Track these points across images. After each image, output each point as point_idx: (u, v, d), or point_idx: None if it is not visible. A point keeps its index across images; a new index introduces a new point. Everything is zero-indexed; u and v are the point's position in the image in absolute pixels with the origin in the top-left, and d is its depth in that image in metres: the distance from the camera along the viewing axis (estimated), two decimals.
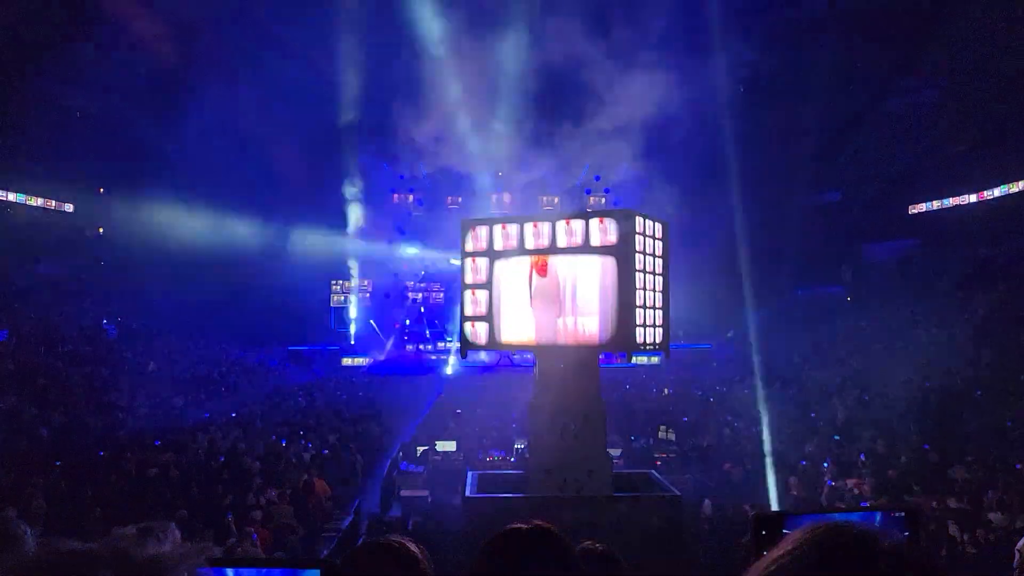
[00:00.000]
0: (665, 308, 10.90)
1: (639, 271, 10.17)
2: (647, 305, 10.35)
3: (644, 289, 10.29)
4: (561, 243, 10.45)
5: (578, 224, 10.34)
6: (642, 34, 31.31)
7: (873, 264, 38.48)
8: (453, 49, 33.86)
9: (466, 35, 32.45)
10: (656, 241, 10.70)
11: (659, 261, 10.79)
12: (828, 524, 0.94)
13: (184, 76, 33.20)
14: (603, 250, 10.09)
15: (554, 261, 10.56)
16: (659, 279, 10.76)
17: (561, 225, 10.48)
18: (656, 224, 10.76)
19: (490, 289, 10.97)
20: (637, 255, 10.17)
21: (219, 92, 31.57)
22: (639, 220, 10.30)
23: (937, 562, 0.93)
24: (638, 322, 10.13)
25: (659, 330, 10.75)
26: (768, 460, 14.91)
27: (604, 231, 10.15)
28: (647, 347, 10.68)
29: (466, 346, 11.35)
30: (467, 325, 11.14)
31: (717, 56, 34.08)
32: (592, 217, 10.32)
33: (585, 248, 10.22)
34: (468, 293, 11.15)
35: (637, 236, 10.18)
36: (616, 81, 33.13)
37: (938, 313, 27.21)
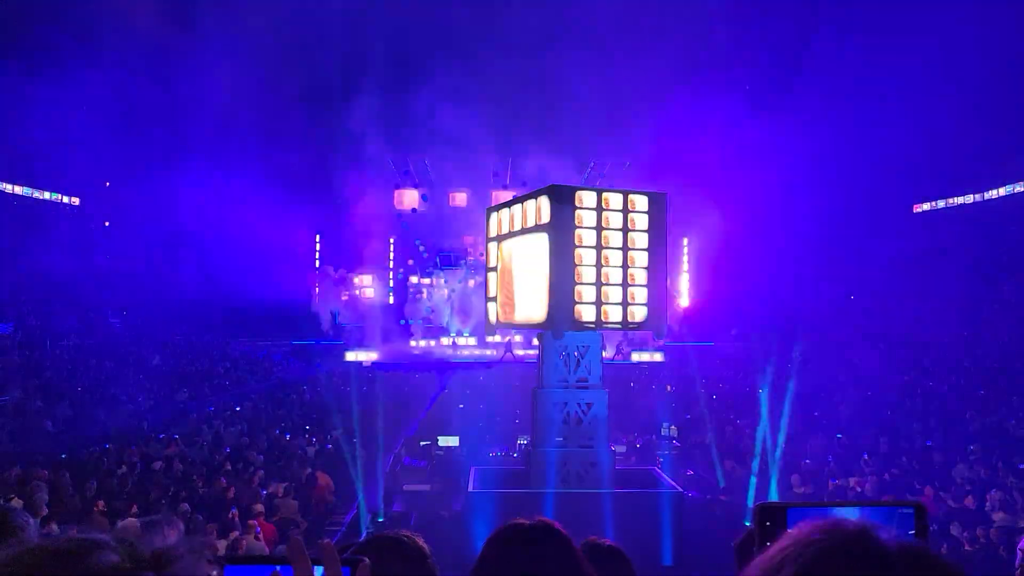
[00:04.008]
0: (653, 284, 10.48)
1: (586, 247, 9.95)
2: (604, 282, 10.12)
3: (599, 265, 10.04)
4: (523, 224, 10.58)
5: (531, 204, 10.38)
6: (643, 32, 31.13)
7: (877, 263, 38.31)
8: (454, 44, 33.77)
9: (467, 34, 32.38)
10: (631, 215, 10.29)
11: (640, 236, 10.38)
12: (833, 520, 0.92)
13: (186, 69, 33.21)
14: (541, 228, 10.09)
15: (522, 241, 10.64)
16: (639, 254, 10.32)
17: (526, 205, 10.56)
18: (633, 197, 10.32)
19: (496, 271, 11.20)
20: (584, 231, 9.96)
21: (222, 91, 31.57)
22: (583, 195, 10.09)
23: (950, 560, 0.91)
24: (585, 299, 9.98)
25: (640, 308, 10.39)
26: (770, 457, 14.90)
27: (540, 209, 10.12)
28: (610, 325, 10.37)
29: (488, 326, 11.78)
30: (488, 305, 11.45)
31: (720, 54, 33.91)
32: (539, 196, 10.28)
33: (534, 228, 10.25)
34: (490, 275, 11.44)
35: (582, 211, 9.96)
36: (618, 77, 32.93)
37: (941, 312, 27.11)
